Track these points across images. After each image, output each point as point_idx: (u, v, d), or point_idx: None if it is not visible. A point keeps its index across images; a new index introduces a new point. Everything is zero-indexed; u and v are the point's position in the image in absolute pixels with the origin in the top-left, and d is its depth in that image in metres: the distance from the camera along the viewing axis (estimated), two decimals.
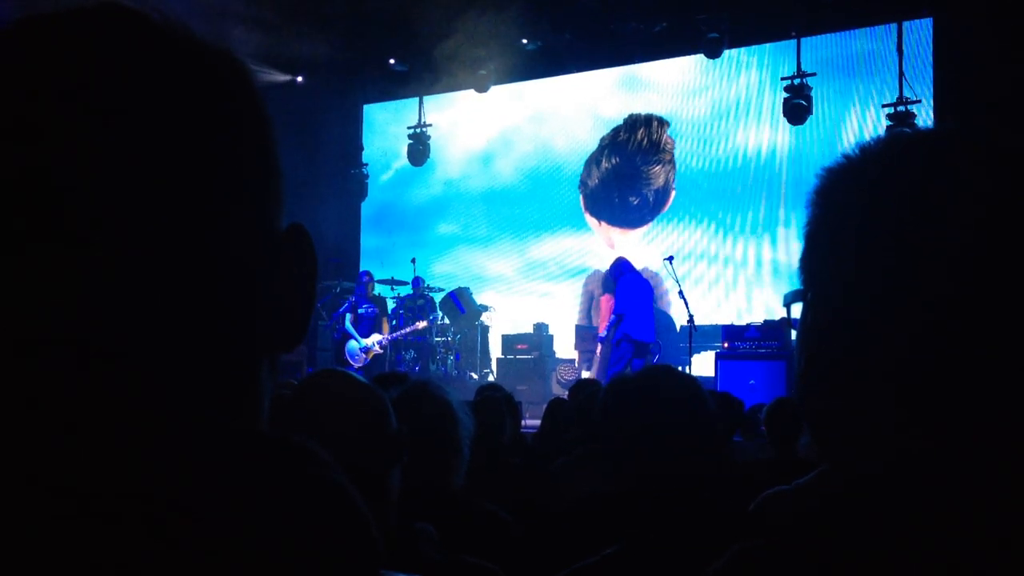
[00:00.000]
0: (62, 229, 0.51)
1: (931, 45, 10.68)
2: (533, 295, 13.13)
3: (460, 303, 11.99)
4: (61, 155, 0.51)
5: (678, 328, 10.81)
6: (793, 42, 11.20)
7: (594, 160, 12.81)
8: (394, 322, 11.56)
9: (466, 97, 13.22)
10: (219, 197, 0.55)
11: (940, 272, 0.66)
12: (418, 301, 11.69)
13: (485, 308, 12.29)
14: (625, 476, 1.81)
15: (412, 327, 11.10)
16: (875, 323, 0.68)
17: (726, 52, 11.39)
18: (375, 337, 11.15)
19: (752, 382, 8.65)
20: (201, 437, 0.53)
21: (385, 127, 14.51)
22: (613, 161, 12.64)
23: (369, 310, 11.17)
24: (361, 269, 13.71)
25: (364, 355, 11.08)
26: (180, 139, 0.54)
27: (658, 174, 12.34)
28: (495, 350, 11.94)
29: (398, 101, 13.99)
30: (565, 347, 12.05)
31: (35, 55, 0.53)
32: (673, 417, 1.79)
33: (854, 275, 0.70)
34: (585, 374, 10.75)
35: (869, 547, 0.61)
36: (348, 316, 11.15)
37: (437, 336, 11.78)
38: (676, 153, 12.41)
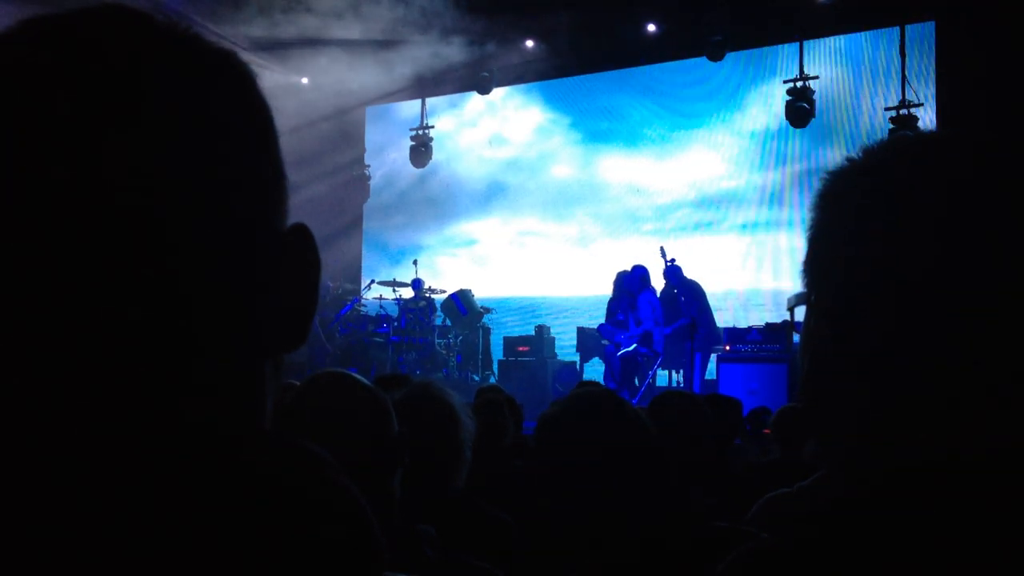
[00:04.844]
0: (61, 228, 0.51)
1: (934, 48, 10.67)
2: (534, 296, 13.14)
3: (462, 304, 11.97)
4: (62, 156, 0.51)
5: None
6: (796, 45, 11.21)
7: None
8: (396, 324, 11.56)
9: (468, 98, 13.25)
10: (222, 198, 0.55)
11: (947, 274, 0.66)
12: (419, 303, 11.69)
13: (488, 310, 12.28)
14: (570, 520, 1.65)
15: None
16: (882, 326, 0.68)
17: (729, 55, 11.39)
18: None
19: (754, 388, 8.64)
20: (204, 438, 0.53)
21: (387, 128, 14.53)
22: None
23: None
24: (363, 271, 13.71)
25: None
26: (183, 141, 0.54)
27: None
28: (497, 352, 11.93)
29: (401, 103, 14.01)
30: (567, 349, 12.05)
31: (37, 57, 0.53)
32: (613, 455, 1.64)
33: (858, 278, 0.70)
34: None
35: (877, 549, 0.61)
36: None
37: (439, 338, 11.77)
38: (679, 155, 12.44)
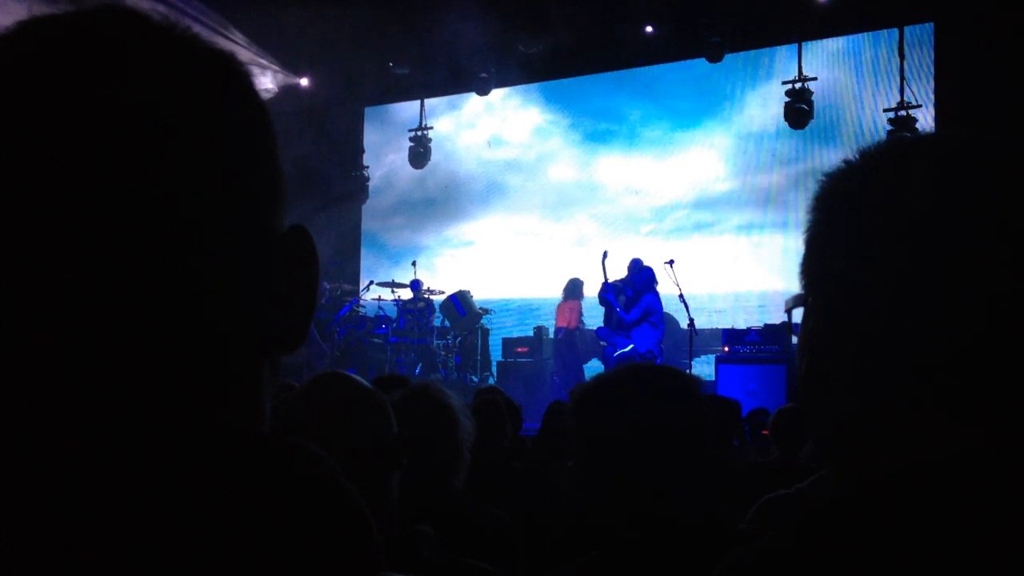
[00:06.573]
0: (61, 228, 0.51)
1: (932, 49, 10.68)
2: (532, 297, 13.13)
3: (461, 306, 11.97)
4: (57, 156, 0.51)
5: (684, 327, 10.79)
6: (795, 46, 11.21)
7: None
8: (395, 325, 11.55)
9: (467, 99, 13.26)
10: (221, 199, 0.55)
11: (944, 275, 0.66)
12: (418, 304, 11.69)
13: (486, 311, 12.28)
14: (605, 508, 1.60)
15: None
16: (883, 327, 0.68)
17: (727, 56, 11.39)
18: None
19: (752, 389, 8.64)
20: (202, 438, 0.53)
21: (386, 129, 14.52)
22: None
23: None
24: (361, 272, 13.70)
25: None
26: (182, 141, 0.54)
27: None
28: (495, 353, 11.93)
29: (399, 104, 14.01)
30: None
31: (34, 58, 0.53)
32: (662, 431, 1.56)
33: (857, 279, 0.70)
34: None
35: (874, 550, 0.61)
36: None
37: (438, 339, 11.77)
38: (677, 156, 12.44)
